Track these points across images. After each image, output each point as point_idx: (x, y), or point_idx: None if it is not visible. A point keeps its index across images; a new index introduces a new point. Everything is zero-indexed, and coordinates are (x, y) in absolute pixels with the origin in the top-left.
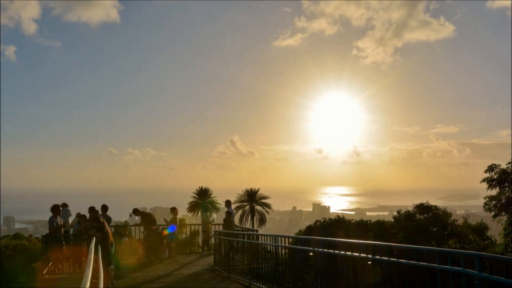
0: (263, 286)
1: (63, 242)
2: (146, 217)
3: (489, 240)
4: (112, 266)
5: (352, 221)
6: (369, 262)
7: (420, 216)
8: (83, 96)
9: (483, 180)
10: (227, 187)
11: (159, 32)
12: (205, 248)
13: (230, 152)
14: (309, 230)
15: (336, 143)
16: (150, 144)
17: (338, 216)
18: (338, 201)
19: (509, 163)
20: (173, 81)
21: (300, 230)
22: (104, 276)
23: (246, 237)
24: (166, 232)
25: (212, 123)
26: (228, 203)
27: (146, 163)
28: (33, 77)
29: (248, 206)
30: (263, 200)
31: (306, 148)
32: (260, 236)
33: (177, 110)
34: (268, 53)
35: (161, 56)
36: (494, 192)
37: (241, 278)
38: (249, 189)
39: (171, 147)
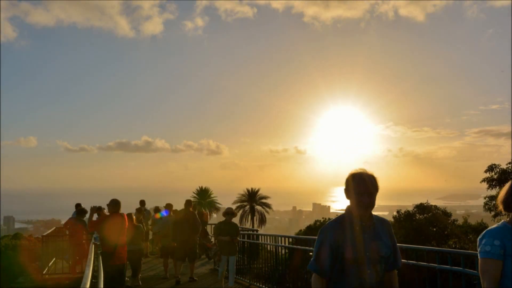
0: (263, 286)
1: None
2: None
3: None
4: None
5: None
6: None
7: (420, 216)
8: (78, 94)
9: (483, 180)
10: (227, 187)
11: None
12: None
13: (233, 154)
14: (309, 230)
15: (337, 144)
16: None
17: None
18: (338, 201)
19: (509, 163)
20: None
21: (300, 230)
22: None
23: (246, 237)
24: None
25: (216, 127)
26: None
27: (149, 164)
28: (35, 75)
29: (248, 206)
30: (263, 200)
31: (308, 149)
32: (260, 236)
33: (198, 115)
34: (276, 69)
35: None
36: (494, 192)
37: (241, 278)
38: (249, 189)
39: (180, 149)
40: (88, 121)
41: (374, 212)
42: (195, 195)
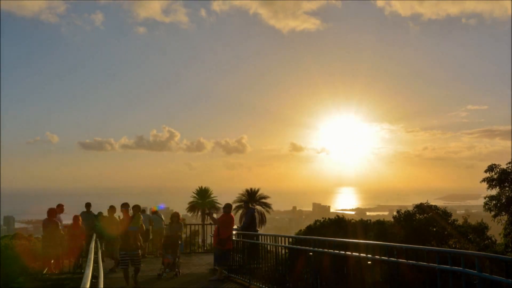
0: (263, 286)
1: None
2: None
3: (489, 240)
4: None
5: (352, 221)
6: (369, 262)
7: (420, 216)
8: (75, 91)
9: (483, 180)
10: (228, 187)
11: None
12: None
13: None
14: (309, 230)
15: (337, 144)
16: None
17: (338, 216)
18: (338, 201)
19: (509, 163)
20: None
21: (300, 230)
22: None
23: (246, 237)
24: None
25: (222, 128)
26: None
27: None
28: (34, 74)
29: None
30: (263, 200)
31: (308, 149)
32: (260, 236)
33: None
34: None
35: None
36: (494, 192)
37: (241, 278)
38: (249, 189)
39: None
40: (93, 117)
41: (374, 212)
42: (195, 195)
